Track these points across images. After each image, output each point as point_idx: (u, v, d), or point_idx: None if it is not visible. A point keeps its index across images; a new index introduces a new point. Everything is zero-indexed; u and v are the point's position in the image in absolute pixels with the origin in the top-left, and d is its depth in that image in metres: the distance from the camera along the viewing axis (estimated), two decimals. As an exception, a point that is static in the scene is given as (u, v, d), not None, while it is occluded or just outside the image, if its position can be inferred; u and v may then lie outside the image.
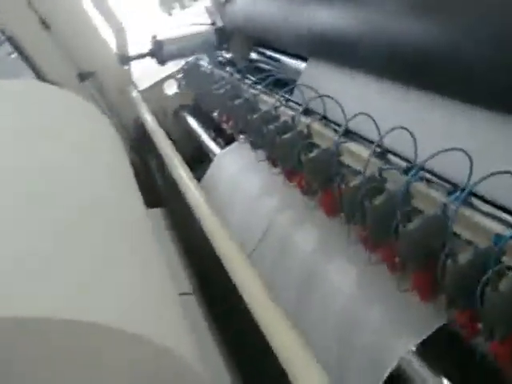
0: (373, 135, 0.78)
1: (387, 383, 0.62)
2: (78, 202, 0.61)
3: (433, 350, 0.61)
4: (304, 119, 0.92)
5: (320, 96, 0.83)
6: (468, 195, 0.48)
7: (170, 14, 4.70)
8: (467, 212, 0.54)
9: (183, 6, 4.61)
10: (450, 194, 0.59)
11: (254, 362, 0.84)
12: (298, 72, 1.35)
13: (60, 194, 0.60)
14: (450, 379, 0.57)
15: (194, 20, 1.88)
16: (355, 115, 0.67)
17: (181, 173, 0.99)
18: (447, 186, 0.62)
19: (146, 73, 1.77)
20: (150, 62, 1.65)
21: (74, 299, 0.42)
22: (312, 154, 0.78)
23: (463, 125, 0.78)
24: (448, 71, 0.77)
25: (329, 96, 0.80)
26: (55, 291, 0.42)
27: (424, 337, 0.61)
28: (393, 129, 0.62)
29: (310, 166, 0.79)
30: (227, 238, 0.79)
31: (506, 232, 0.51)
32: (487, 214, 0.53)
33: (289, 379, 0.51)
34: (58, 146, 0.75)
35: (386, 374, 0.62)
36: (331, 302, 0.74)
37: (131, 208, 0.76)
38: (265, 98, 1.09)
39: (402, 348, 0.62)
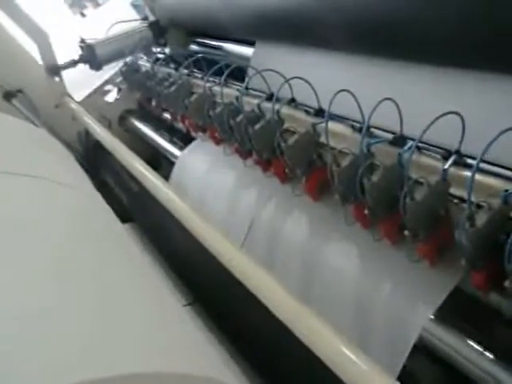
0: (341, 112, 0.76)
1: (413, 355, 0.62)
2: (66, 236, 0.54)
3: (451, 314, 0.61)
4: (270, 105, 0.88)
5: (291, 79, 0.80)
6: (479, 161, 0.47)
7: (83, 15, 4.40)
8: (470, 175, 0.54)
9: (96, 5, 4.34)
10: (445, 159, 0.59)
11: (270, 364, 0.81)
12: (244, 58, 1.31)
13: (39, 231, 0.53)
14: (474, 339, 0.58)
15: (114, 17, 1.76)
16: (337, 93, 0.64)
17: (151, 178, 0.93)
18: (440, 151, 0.62)
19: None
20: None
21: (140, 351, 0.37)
22: (292, 140, 0.75)
23: (421, 88, 0.79)
24: (408, 37, 0.77)
25: (301, 78, 0.77)
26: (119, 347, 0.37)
27: (440, 302, 0.61)
28: (380, 101, 0.60)
29: (292, 152, 0.76)
30: (218, 232, 0.75)
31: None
32: (488, 173, 0.54)
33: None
34: (12, 177, 0.66)
35: (411, 347, 0.62)
36: (340, 286, 0.73)
37: (115, 231, 0.69)
38: (222, 90, 1.04)
39: (421, 318, 0.62)
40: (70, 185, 0.74)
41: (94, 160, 1.51)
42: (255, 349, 0.81)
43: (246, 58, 1.27)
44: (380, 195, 0.61)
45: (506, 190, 0.50)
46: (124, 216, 1.24)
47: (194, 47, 1.57)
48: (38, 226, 0.60)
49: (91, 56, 1.45)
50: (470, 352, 0.57)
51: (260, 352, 0.80)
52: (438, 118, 0.53)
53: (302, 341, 0.57)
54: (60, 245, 0.59)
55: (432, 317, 0.62)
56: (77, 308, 0.47)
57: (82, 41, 1.46)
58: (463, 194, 0.58)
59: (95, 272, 0.56)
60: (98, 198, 0.85)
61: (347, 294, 0.72)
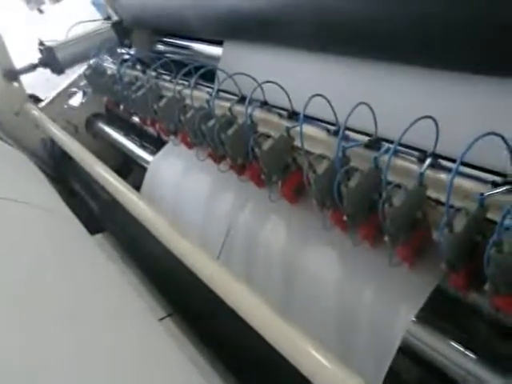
0: (314, 112, 0.75)
1: (398, 358, 0.62)
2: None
3: (433, 314, 0.62)
4: (242, 108, 0.86)
5: (263, 83, 0.78)
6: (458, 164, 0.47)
7: (41, 12, 4.20)
8: (446, 177, 0.54)
9: (55, 0, 4.15)
10: (421, 161, 0.59)
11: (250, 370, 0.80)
12: (212, 57, 1.29)
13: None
14: (456, 340, 0.58)
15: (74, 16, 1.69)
16: (311, 97, 0.63)
17: (122, 190, 0.89)
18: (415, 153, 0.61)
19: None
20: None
21: None
22: (267, 145, 0.74)
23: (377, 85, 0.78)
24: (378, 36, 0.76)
25: (274, 82, 0.76)
26: None
27: (421, 304, 0.61)
28: (356, 106, 0.59)
29: (267, 158, 0.74)
30: (193, 245, 0.73)
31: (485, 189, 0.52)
32: (467, 176, 0.54)
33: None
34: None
35: (395, 351, 0.62)
36: (320, 291, 0.72)
37: (83, 248, 0.66)
38: (193, 92, 1.01)
39: (404, 320, 0.62)
40: (32, 202, 0.70)
41: (61, 168, 1.44)
42: (235, 359, 0.80)
43: (215, 58, 1.24)
44: (358, 201, 0.61)
45: (482, 194, 0.50)
46: (95, 226, 1.20)
47: (160, 47, 1.53)
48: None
49: (52, 59, 1.38)
50: (453, 352, 0.58)
51: (240, 362, 0.79)
52: (413, 124, 0.52)
53: (281, 352, 0.56)
54: (27, 265, 0.57)
55: (414, 319, 0.62)
56: (42, 329, 0.45)
57: (41, 43, 1.38)
58: (439, 195, 0.59)
59: (63, 292, 0.54)
60: (65, 212, 0.81)
61: (328, 300, 0.71)
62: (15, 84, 1.44)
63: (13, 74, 1.42)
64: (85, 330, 0.49)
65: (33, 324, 0.46)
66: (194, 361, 0.80)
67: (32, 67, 1.42)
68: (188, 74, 0.99)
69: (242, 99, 0.90)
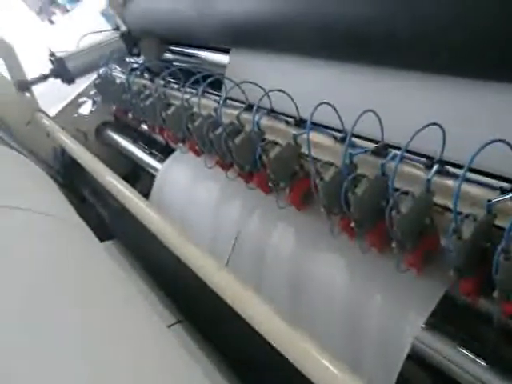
0: (321, 119, 0.76)
1: (407, 365, 0.61)
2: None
3: (442, 321, 0.62)
4: (249, 115, 0.87)
5: (270, 91, 0.79)
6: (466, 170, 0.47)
7: (52, 22, 4.29)
8: (453, 184, 0.54)
9: (65, 10, 4.23)
10: (428, 167, 0.59)
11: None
12: (219, 65, 1.30)
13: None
14: (466, 346, 0.58)
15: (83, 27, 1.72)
16: (317, 106, 0.64)
17: (131, 198, 0.90)
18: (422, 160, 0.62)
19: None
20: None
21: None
22: (274, 153, 0.74)
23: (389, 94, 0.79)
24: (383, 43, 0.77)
25: (281, 90, 0.76)
26: None
27: (430, 311, 0.61)
28: (362, 113, 0.60)
29: (274, 166, 0.75)
30: (201, 253, 0.74)
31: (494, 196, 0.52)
32: (474, 183, 0.54)
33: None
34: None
35: (404, 357, 0.61)
36: (329, 298, 0.72)
37: (93, 257, 0.67)
38: (200, 101, 1.02)
39: (413, 327, 0.62)
40: (43, 210, 0.71)
41: (72, 176, 1.46)
42: (243, 365, 0.80)
43: (222, 66, 1.26)
44: (365, 207, 0.61)
45: (490, 200, 0.50)
46: (105, 233, 1.21)
47: (168, 55, 1.55)
48: (10, 256, 0.58)
49: (62, 69, 1.41)
50: (462, 359, 0.57)
51: (248, 369, 0.79)
52: (420, 130, 0.52)
53: (290, 360, 0.56)
54: (38, 271, 0.58)
55: (423, 325, 0.62)
56: (51, 335, 0.45)
57: (52, 54, 1.41)
58: (447, 202, 0.59)
59: (73, 298, 0.55)
60: (76, 220, 0.82)
61: (336, 306, 0.71)
62: (27, 94, 1.47)
63: (25, 85, 1.45)
64: (94, 337, 0.49)
65: (42, 331, 0.47)
66: (203, 367, 0.81)
67: (43, 77, 1.44)
68: (196, 83, 1.00)
69: (249, 107, 0.91)
